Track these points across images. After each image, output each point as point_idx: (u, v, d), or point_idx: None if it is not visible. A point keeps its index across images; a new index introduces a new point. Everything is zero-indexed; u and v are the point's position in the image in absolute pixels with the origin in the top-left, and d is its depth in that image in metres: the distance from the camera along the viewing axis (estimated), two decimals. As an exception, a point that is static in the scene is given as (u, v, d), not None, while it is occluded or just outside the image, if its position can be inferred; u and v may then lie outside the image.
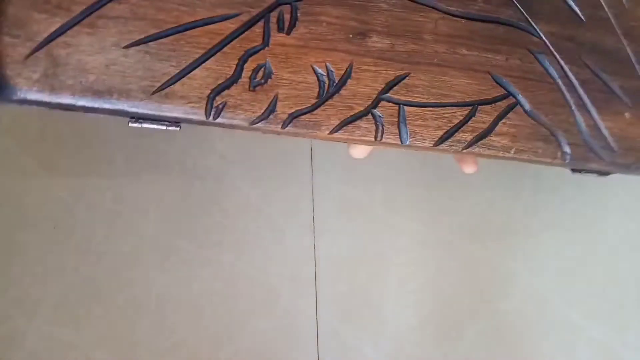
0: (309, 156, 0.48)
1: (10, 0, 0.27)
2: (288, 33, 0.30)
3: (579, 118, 0.33)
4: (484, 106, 0.32)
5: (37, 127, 0.47)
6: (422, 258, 0.47)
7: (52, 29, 0.27)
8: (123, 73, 0.28)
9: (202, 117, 0.29)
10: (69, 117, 0.45)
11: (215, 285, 0.47)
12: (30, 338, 0.46)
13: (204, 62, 0.29)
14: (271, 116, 0.30)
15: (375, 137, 0.32)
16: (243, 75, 0.30)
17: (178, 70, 0.29)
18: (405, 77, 0.32)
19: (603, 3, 0.33)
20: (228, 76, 0.30)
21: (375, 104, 0.32)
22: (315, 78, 0.31)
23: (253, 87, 0.30)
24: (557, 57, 0.33)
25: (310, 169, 0.47)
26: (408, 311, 0.47)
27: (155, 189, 0.47)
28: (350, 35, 0.31)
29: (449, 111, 0.32)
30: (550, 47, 0.33)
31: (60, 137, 0.47)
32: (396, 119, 0.32)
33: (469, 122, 0.32)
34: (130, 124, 0.30)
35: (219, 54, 0.29)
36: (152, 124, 0.30)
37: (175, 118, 0.30)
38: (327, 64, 0.31)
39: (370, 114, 0.32)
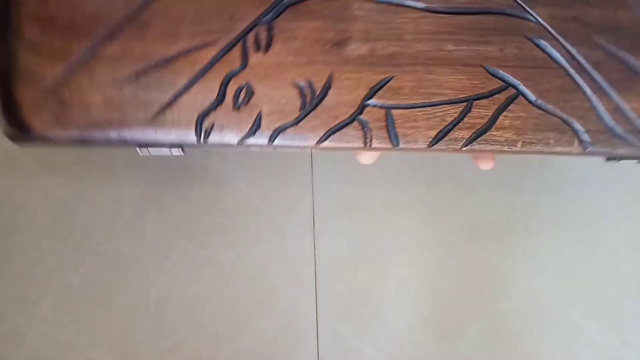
0: (309, 156, 0.48)
1: (20, 52, 0.30)
2: (265, 52, 0.31)
3: (597, 103, 0.31)
4: (480, 101, 0.31)
5: (37, 127, 0.47)
6: (422, 258, 0.47)
7: (57, 73, 0.30)
8: (120, 106, 0.31)
9: (194, 140, 0.31)
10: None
11: (215, 285, 0.47)
12: (30, 338, 0.46)
13: (189, 88, 0.31)
14: (257, 132, 0.32)
15: (364, 144, 0.32)
16: (226, 96, 0.31)
17: (167, 99, 0.31)
18: (389, 80, 0.32)
19: None
20: (213, 99, 0.31)
21: (360, 110, 0.32)
22: (297, 92, 0.32)
23: (237, 107, 0.31)
24: (561, 40, 0.31)
25: (310, 169, 0.47)
26: (408, 311, 0.47)
27: (155, 188, 0.47)
28: (327, 46, 0.31)
29: (441, 110, 0.32)
30: (552, 32, 0.31)
31: (60, 137, 0.47)
32: (384, 124, 0.32)
33: (465, 118, 0.31)
34: (140, 152, 0.33)
35: (202, 79, 0.31)
36: (156, 150, 0.32)
37: (172, 143, 0.32)
38: (307, 77, 0.31)
39: (356, 121, 0.32)
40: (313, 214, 0.47)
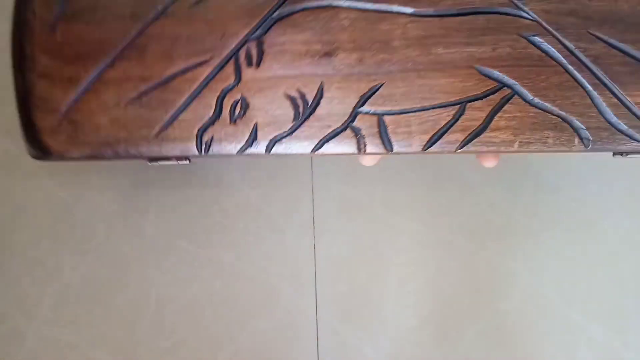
0: (309, 157, 0.48)
1: (35, 81, 0.33)
2: (257, 67, 0.33)
3: (597, 98, 0.30)
4: (474, 102, 0.31)
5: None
6: (422, 258, 0.47)
7: (68, 98, 0.33)
8: (126, 126, 0.33)
9: (196, 153, 0.33)
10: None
11: (215, 285, 0.47)
12: (30, 338, 0.46)
13: (187, 105, 0.33)
14: (254, 143, 0.33)
15: (358, 150, 0.32)
16: (223, 111, 0.33)
17: (168, 117, 0.33)
18: (380, 87, 0.32)
19: None
20: (210, 114, 0.33)
21: (353, 118, 0.32)
22: (290, 103, 0.32)
23: (233, 120, 0.33)
24: (558, 36, 0.30)
25: (310, 169, 0.47)
26: (408, 311, 0.47)
27: (155, 189, 0.47)
28: (316, 57, 0.32)
29: (433, 114, 0.32)
30: (548, 27, 0.30)
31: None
32: (377, 130, 0.32)
33: (459, 121, 0.31)
34: (150, 165, 0.35)
35: (199, 96, 0.33)
36: (164, 161, 0.34)
37: (177, 156, 0.33)
38: (299, 88, 0.32)
39: (349, 129, 0.32)
40: (313, 214, 0.47)
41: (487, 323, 0.47)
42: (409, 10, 0.31)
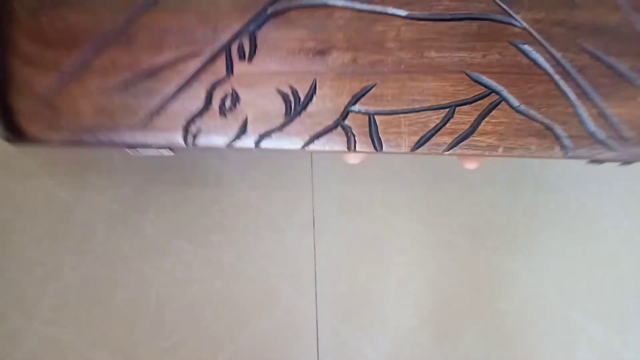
0: (308, 156, 0.48)
1: (14, 64, 0.32)
2: (250, 61, 0.32)
3: (580, 108, 0.31)
4: (463, 107, 0.32)
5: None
6: (422, 258, 0.47)
7: (49, 83, 0.32)
8: (110, 113, 0.32)
9: (182, 143, 0.33)
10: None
11: (215, 285, 0.47)
12: (30, 338, 0.46)
13: (175, 96, 0.32)
14: (243, 137, 0.33)
15: (348, 148, 0.32)
16: (213, 103, 0.32)
17: (154, 106, 0.32)
18: (372, 88, 0.32)
19: None
20: (199, 106, 0.32)
21: (344, 116, 0.32)
22: (281, 99, 0.32)
23: (223, 113, 0.33)
24: (546, 45, 0.31)
25: (310, 169, 0.47)
26: (408, 311, 0.47)
27: (155, 188, 0.47)
28: (310, 55, 0.32)
29: (423, 116, 0.32)
30: (537, 36, 0.31)
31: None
32: (367, 129, 0.32)
33: (447, 124, 0.32)
34: (130, 152, 0.34)
35: (188, 87, 0.32)
36: (147, 150, 0.34)
37: (160, 145, 0.33)
38: (291, 84, 0.32)
39: (339, 127, 0.32)
40: (313, 214, 0.47)
41: (487, 323, 0.47)
42: (403, 12, 0.32)
